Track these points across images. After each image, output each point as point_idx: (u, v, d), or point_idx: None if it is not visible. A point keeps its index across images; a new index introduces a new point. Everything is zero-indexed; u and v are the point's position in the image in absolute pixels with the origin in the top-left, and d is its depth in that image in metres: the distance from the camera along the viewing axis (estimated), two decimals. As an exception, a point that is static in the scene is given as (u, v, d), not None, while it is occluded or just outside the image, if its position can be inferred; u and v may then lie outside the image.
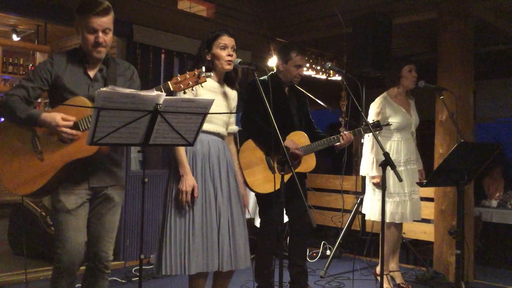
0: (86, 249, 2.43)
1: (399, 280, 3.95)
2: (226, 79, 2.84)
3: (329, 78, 6.36)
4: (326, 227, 5.30)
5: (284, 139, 3.12)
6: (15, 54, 7.19)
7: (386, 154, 2.83)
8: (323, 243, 5.18)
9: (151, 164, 4.85)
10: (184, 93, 2.32)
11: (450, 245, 4.26)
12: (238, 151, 3.15)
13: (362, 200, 4.21)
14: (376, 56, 4.58)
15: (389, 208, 3.71)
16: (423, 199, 4.54)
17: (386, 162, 2.82)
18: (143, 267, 2.28)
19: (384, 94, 3.92)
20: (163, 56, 4.93)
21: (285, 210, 3.52)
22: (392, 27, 4.78)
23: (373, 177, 3.79)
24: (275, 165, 3.06)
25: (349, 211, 4.91)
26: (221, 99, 2.77)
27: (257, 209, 4.73)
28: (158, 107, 2.00)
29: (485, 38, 6.11)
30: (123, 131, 2.01)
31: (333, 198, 5.42)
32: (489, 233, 5.44)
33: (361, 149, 4.16)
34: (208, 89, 2.70)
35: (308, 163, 3.32)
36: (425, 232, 4.71)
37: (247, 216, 4.74)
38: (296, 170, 3.26)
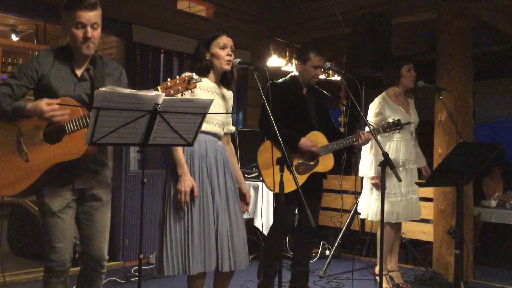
0: (80, 249, 2.42)
1: (398, 280, 3.95)
2: (222, 79, 2.83)
3: (328, 78, 6.35)
4: (325, 227, 5.30)
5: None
6: (14, 54, 7.18)
7: (385, 155, 2.83)
8: (322, 243, 5.18)
9: (150, 164, 4.85)
10: (182, 94, 2.32)
11: (449, 245, 4.26)
12: (238, 151, 3.16)
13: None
14: (376, 56, 4.58)
15: (384, 208, 3.70)
16: (423, 199, 4.54)
17: (385, 162, 2.82)
18: (142, 267, 2.27)
19: (383, 94, 3.92)
20: (162, 56, 4.93)
21: (298, 209, 3.54)
22: (391, 27, 4.78)
23: (372, 178, 3.79)
24: (293, 165, 3.19)
25: (348, 211, 4.91)
26: (218, 100, 2.77)
27: (257, 209, 4.75)
28: (158, 107, 2.00)
29: (484, 38, 6.11)
30: (122, 131, 2.01)
31: (332, 198, 5.42)
32: (488, 233, 5.45)
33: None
34: (206, 90, 2.70)
35: (326, 163, 3.34)
36: (424, 232, 4.72)
37: (246, 216, 4.77)
38: (314, 170, 3.30)
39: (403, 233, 4.44)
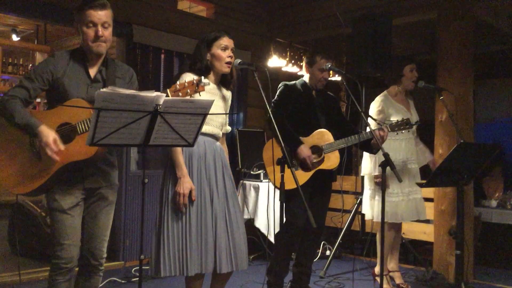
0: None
1: (398, 280, 3.95)
2: (222, 80, 2.83)
3: (328, 79, 6.34)
4: (326, 227, 5.30)
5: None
6: (15, 54, 7.20)
7: (386, 155, 2.83)
8: (323, 243, 5.18)
9: (151, 164, 4.85)
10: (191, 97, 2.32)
11: (450, 245, 4.26)
12: (238, 151, 3.18)
13: (361, 200, 4.21)
14: (376, 56, 4.57)
15: (386, 208, 3.70)
16: (423, 199, 4.54)
17: (386, 163, 2.82)
18: (143, 267, 2.27)
19: (385, 92, 3.92)
20: (163, 56, 4.93)
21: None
22: (392, 27, 4.77)
23: (375, 176, 3.78)
24: (298, 162, 3.26)
25: (349, 211, 4.91)
26: (218, 100, 2.76)
27: (257, 209, 4.75)
28: (158, 108, 2.00)
29: (484, 38, 6.10)
30: (123, 132, 2.01)
31: (333, 198, 5.38)
32: (488, 233, 5.44)
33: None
34: (206, 91, 2.68)
35: (331, 160, 3.35)
36: (425, 232, 4.71)
37: (247, 216, 4.77)
38: (319, 167, 3.32)
39: (403, 233, 4.44)
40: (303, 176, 3.27)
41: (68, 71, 2.35)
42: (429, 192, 4.55)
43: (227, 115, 2.92)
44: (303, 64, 3.60)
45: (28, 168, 2.32)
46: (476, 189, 4.99)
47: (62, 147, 2.23)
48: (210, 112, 2.18)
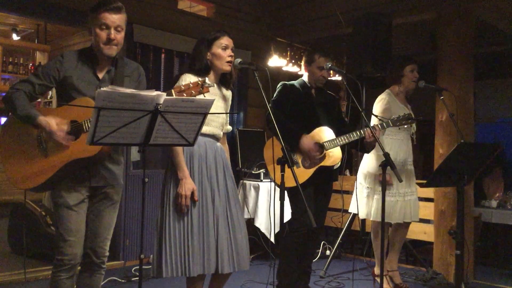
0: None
1: (397, 280, 3.94)
2: (222, 79, 2.83)
3: (328, 79, 6.34)
4: (325, 227, 5.30)
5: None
6: (15, 53, 7.20)
7: (386, 155, 2.82)
8: (323, 243, 5.18)
9: (151, 164, 4.85)
10: None
11: (450, 246, 4.26)
12: (238, 150, 3.18)
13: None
14: (376, 56, 4.58)
15: (380, 207, 3.67)
16: (423, 199, 4.54)
17: (386, 163, 2.82)
18: (143, 266, 2.27)
19: (387, 91, 3.90)
20: (163, 55, 4.93)
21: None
22: (392, 27, 4.78)
23: (380, 174, 3.76)
24: (299, 160, 3.27)
25: (349, 212, 4.90)
26: (218, 100, 2.76)
27: (257, 209, 4.75)
28: (159, 107, 2.00)
29: (485, 38, 6.11)
30: (123, 131, 2.01)
31: (333, 198, 5.39)
32: (489, 234, 5.43)
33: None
34: (206, 90, 2.70)
35: (333, 157, 3.34)
36: (425, 233, 4.71)
37: (247, 216, 4.77)
38: (321, 164, 3.30)
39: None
40: (305, 174, 3.26)
41: (77, 71, 2.39)
42: (429, 192, 4.55)
43: (228, 114, 2.92)
44: (302, 63, 3.60)
45: (35, 164, 2.35)
46: (476, 189, 5.00)
47: (65, 127, 2.26)
48: (210, 112, 2.18)
